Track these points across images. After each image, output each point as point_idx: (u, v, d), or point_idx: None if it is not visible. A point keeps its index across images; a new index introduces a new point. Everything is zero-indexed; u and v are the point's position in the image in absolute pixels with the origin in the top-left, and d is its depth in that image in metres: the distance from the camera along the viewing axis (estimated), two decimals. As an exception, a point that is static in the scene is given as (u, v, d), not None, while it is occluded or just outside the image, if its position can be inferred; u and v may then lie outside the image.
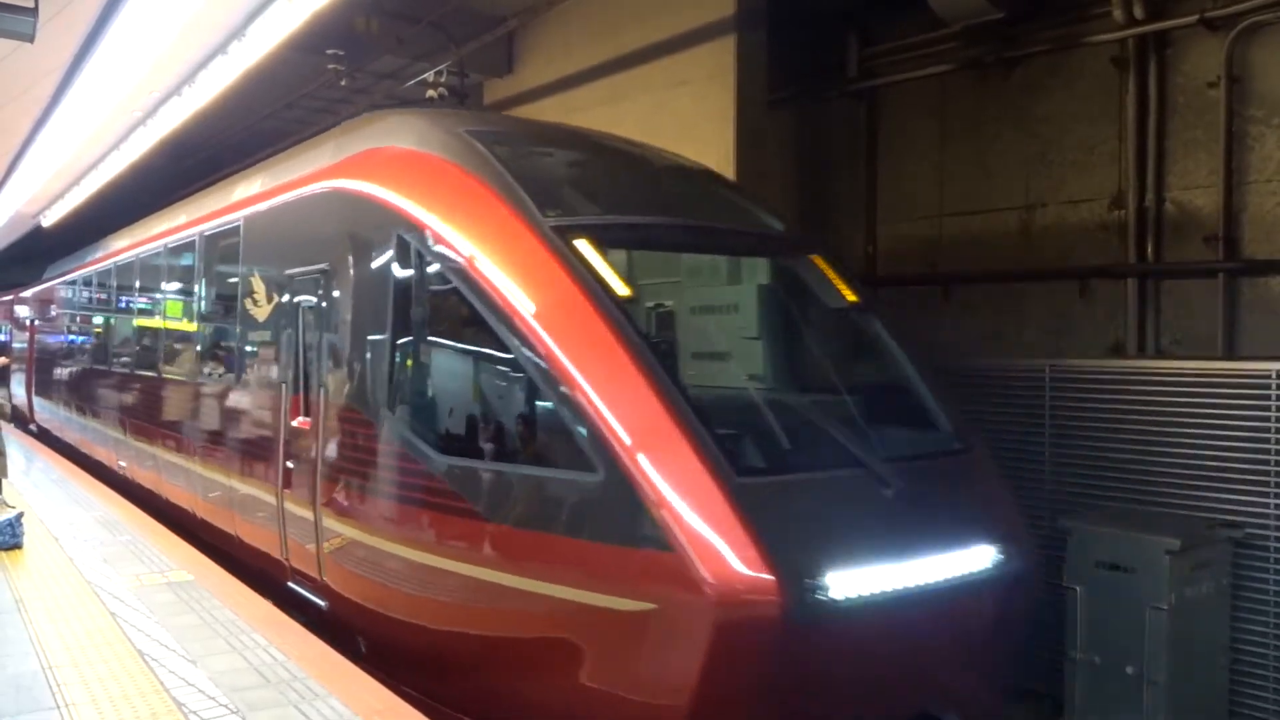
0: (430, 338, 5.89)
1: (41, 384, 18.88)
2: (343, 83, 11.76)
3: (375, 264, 6.09)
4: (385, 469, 5.72)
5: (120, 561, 7.54)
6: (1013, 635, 5.29)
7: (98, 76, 9.01)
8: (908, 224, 10.02)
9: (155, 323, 11.73)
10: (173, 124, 10.81)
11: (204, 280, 9.75)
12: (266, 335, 7.63)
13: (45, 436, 17.49)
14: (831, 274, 6.32)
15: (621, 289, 5.12)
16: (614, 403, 4.62)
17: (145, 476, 10.86)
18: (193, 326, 10.08)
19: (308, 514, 6.47)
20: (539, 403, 5.06)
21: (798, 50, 10.10)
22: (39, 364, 19.44)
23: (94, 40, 8.04)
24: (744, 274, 7.25)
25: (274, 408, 7.24)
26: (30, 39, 6.85)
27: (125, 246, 13.14)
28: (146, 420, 10.94)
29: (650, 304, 6.98)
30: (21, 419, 20.46)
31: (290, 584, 6.83)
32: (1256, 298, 7.63)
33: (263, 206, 7.99)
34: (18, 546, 7.81)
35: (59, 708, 4.54)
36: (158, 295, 11.69)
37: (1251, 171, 7.65)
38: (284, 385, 7.07)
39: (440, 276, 5.58)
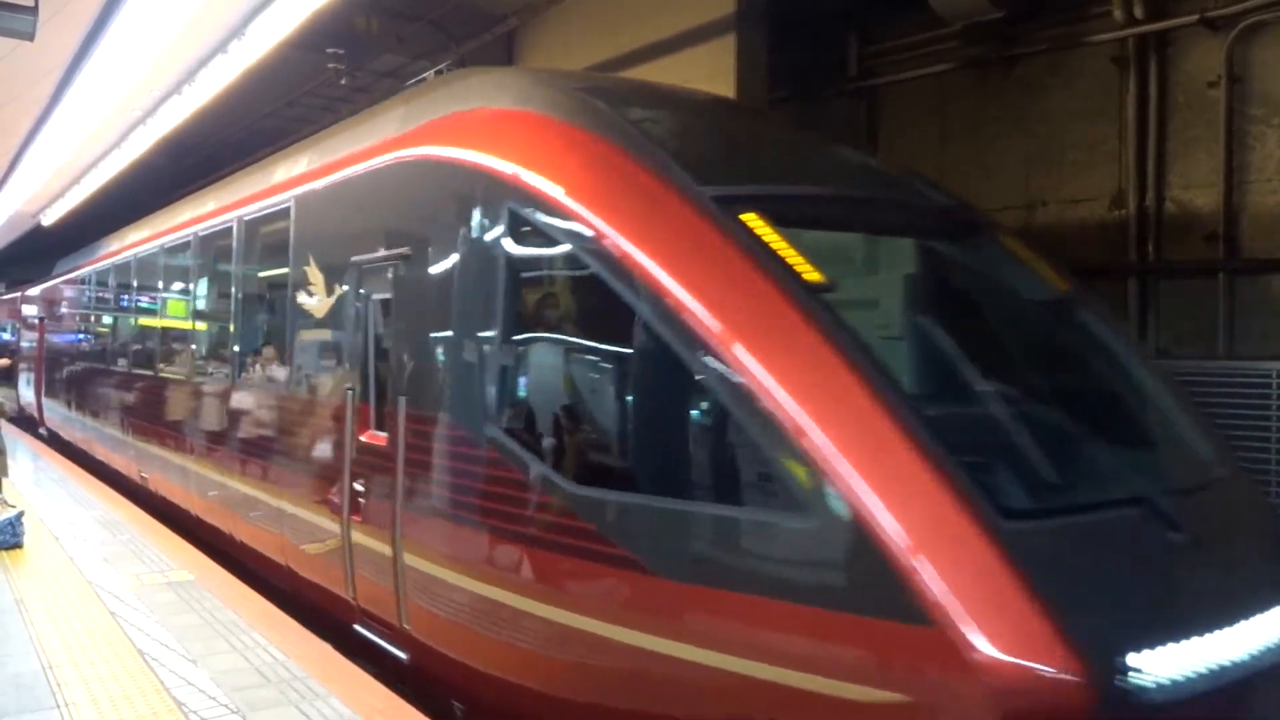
0: (559, 335, 4.77)
1: (52, 386, 17.80)
2: (343, 81, 11.77)
3: (479, 245, 4.95)
4: (497, 500, 4.60)
5: (121, 561, 7.54)
6: None
7: (98, 75, 9.02)
8: (908, 223, 10.00)
9: (181, 320, 10.72)
10: (173, 123, 10.83)
11: (243, 271, 8.65)
12: (325, 333, 6.57)
13: (56, 442, 16.69)
14: (1033, 259, 5.21)
15: (813, 274, 4.05)
16: (830, 421, 3.53)
17: (172, 490, 9.87)
18: (228, 324, 8.96)
19: (384, 548, 5.41)
20: (719, 420, 3.90)
21: (798, 49, 10.09)
22: (49, 365, 18.43)
23: (94, 39, 8.05)
24: (910, 257, 5.32)
25: (336, 419, 6.18)
26: (30, 38, 6.87)
27: (146, 237, 12.10)
28: (174, 428, 9.90)
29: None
30: (30, 422, 19.66)
31: (358, 627, 5.83)
32: (1257, 297, 7.63)
33: (319, 185, 6.89)
34: (18, 546, 7.81)
35: (59, 707, 4.55)
36: (185, 290, 10.59)
37: (1252, 170, 7.65)
38: (349, 393, 6.00)
39: (571, 259, 4.51)
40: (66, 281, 17.53)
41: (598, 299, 4.40)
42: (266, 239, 8.06)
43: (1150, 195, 8.13)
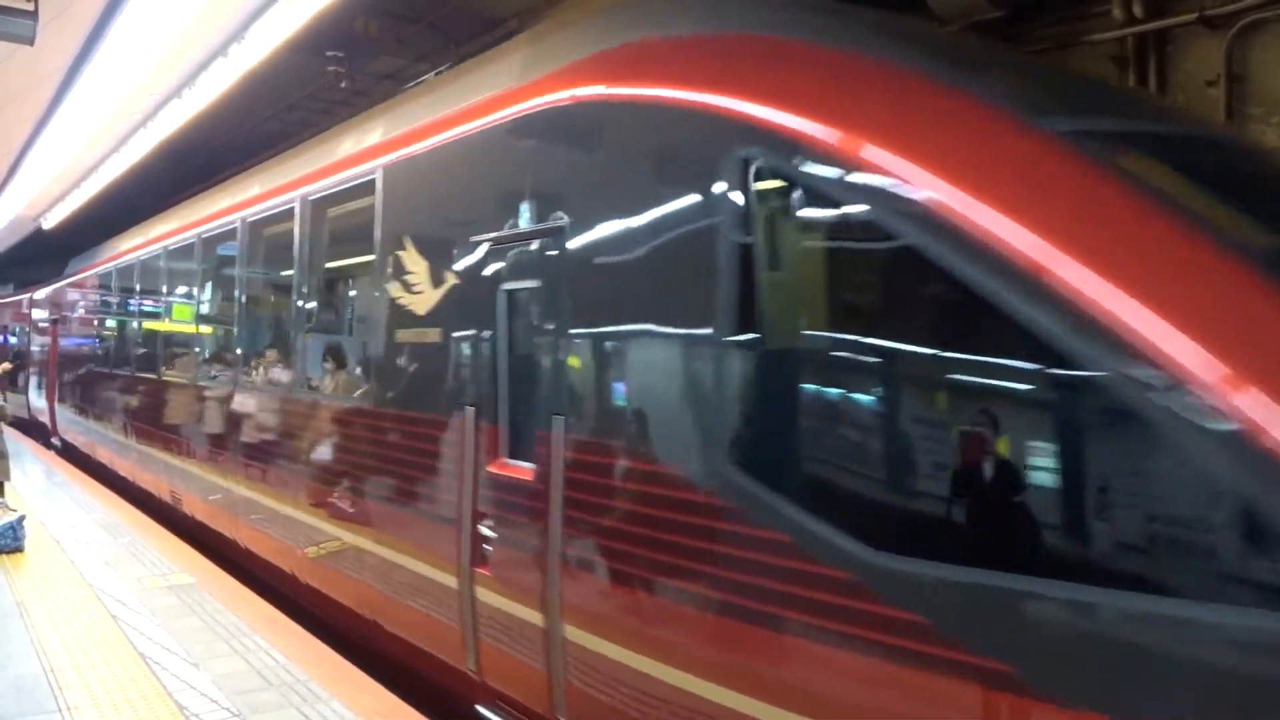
0: (845, 334, 3.37)
1: (67, 393, 16.55)
2: (343, 84, 11.78)
3: (697, 209, 3.63)
4: (735, 567, 3.31)
5: (122, 564, 7.55)
6: None
7: (98, 79, 9.02)
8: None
9: (223, 321, 9.53)
10: (173, 126, 10.82)
11: (308, 260, 7.24)
12: (430, 334, 5.30)
13: (71, 454, 15.78)
14: None
15: (1241, 234, 2.91)
16: None
17: (214, 516, 8.69)
18: (287, 325, 7.74)
19: (529, 615, 4.25)
20: (1166, 467, 2.54)
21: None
22: (63, 371, 17.24)
23: (94, 43, 8.05)
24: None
25: (449, 443, 4.97)
26: (30, 42, 6.86)
27: (179, 228, 10.90)
28: (218, 446, 8.59)
29: None
30: (42, 432, 18.75)
31: (483, 709, 4.70)
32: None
33: (418, 149, 5.59)
34: (19, 550, 7.82)
35: (61, 711, 4.54)
36: (228, 286, 9.15)
37: (1252, 170, 7.65)
38: (469, 410, 4.80)
39: (865, 225, 3.14)
40: (84, 281, 16.23)
41: (916, 280, 3.08)
42: (340, 221, 6.89)
43: (1151, 194, 8.13)
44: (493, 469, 4.60)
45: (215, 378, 9.20)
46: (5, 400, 13.00)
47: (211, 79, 9.05)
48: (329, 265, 7.35)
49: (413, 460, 5.41)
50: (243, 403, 8.18)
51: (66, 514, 9.78)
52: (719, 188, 3.54)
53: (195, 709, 4.60)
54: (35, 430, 19.60)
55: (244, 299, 8.75)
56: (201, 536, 8.94)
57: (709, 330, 3.52)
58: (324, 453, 6.50)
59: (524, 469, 4.40)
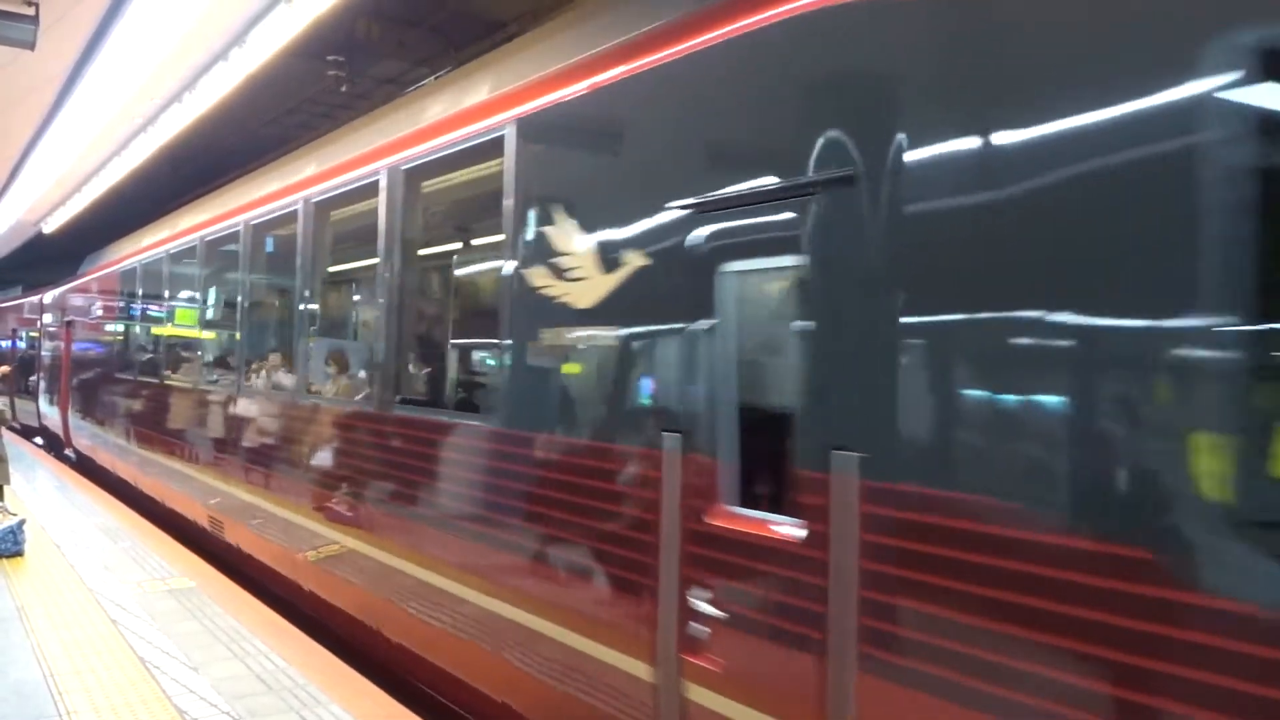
0: None
1: (83, 400, 15.36)
2: (343, 88, 11.80)
3: (1133, 129, 2.31)
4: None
5: (122, 568, 7.55)
6: None
7: (98, 84, 9.04)
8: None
9: (273, 322, 8.56)
10: (174, 130, 10.83)
11: (398, 245, 5.73)
12: (598, 335, 4.03)
13: (86, 467, 14.80)
14: None
15: None
16: None
17: (269, 550, 7.38)
18: (368, 324, 6.50)
19: None
20: None
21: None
22: (78, 375, 16.07)
23: (95, 47, 8.06)
24: None
25: (630, 480, 3.79)
26: (31, 46, 6.87)
27: (216, 217, 9.59)
28: (264, 463, 7.38)
29: None
30: (54, 442, 18.02)
31: None
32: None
33: (571, 94, 4.31)
34: (19, 554, 7.81)
35: (61, 716, 4.53)
36: (283, 282, 7.84)
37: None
38: (669, 439, 3.60)
39: None
40: (102, 280, 14.83)
41: None
42: (442, 196, 5.74)
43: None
44: (716, 522, 3.40)
45: (274, 388, 7.84)
46: (11, 404, 12.96)
47: (212, 83, 9.06)
48: (430, 251, 6.05)
49: (563, 499, 4.16)
50: (307, 421, 6.88)
51: (66, 518, 9.78)
52: (1196, 92, 2.19)
53: (195, 713, 4.59)
54: (36, 435, 19.42)
55: (308, 293, 7.24)
56: (245, 569, 7.97)
57: (1190, 321, 2.20)
58: (420, 484, 5.28)
59: (778, 526, 3.17)
